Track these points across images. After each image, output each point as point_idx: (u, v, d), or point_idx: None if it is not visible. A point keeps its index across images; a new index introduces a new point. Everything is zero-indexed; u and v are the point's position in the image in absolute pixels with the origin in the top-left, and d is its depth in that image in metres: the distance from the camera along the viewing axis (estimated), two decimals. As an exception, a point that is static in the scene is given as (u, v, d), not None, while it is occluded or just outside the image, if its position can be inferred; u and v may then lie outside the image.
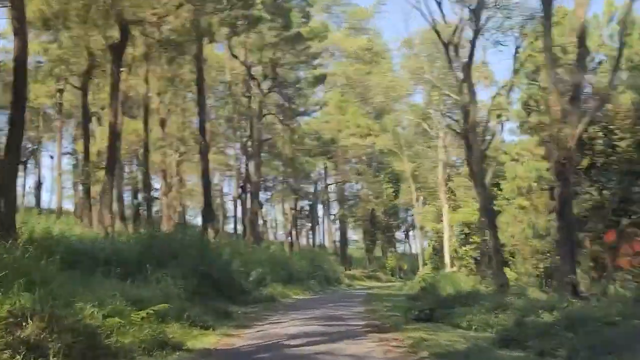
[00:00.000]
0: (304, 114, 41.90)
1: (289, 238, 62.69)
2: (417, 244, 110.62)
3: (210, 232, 27.32)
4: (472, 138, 25.05)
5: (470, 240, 39.57)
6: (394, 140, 49.64)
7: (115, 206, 28.86)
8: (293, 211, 62.97)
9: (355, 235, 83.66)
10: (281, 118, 40.77)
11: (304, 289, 32.99)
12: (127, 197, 46.72)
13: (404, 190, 55.15)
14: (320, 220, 76.76)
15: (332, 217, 60.18)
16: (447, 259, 40.55)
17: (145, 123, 30.64)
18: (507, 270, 34.10)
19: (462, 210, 40.54)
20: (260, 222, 79.46)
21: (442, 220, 53.97)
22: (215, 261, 22.17)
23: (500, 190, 35.85)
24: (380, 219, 66.08)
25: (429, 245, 57.80)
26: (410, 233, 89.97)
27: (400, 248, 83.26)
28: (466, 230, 40.00)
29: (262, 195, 73.86)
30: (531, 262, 35.57)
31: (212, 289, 20.80)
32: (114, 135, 25.15)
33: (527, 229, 33.97)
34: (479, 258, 38.22)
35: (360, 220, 72.22)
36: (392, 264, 68.33)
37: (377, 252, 76.43)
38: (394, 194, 65.98)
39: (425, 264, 44.90)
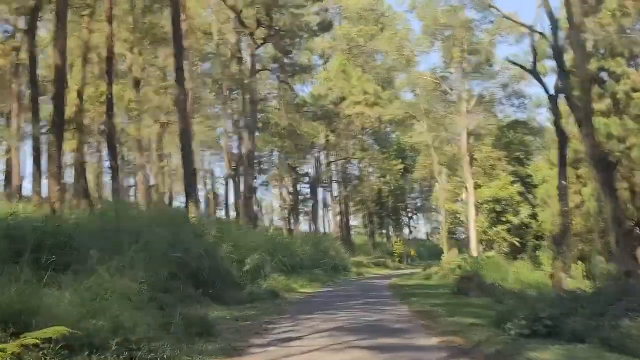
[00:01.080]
0: (305, 71, 35.71)
1: (288, 223, 56.76)
2: (427, 227, 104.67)
3: (192, 209, 21.21)
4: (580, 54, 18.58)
5: (502, 219, 33.64)
6: (408, 107, 43.48)
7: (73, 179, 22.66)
8: (290, 196, 56.87)
9: (354, 220, 77.74)
10: (278, 75, 34.52)
11: (310, 279, 26.99)
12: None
13: (419, 164, 49.03)
14: (320, 204, 71.07)
15: (335, 199, 54.00)
16: (473, 243, 34.62)
17: (109, 74, 24.37)
18: (544, 255, 28.35)
19: (493, 185, 34.61)
20: (256, 208, 73.73)
21: (458, 200, 48.15)
22: (195, 245, 16.09)
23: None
24: (388, 200, 60.15)
25: (444, 228, 51.90)
26: (417, 216, 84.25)
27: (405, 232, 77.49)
28: (497, 208, 34.08)
29: (257, 181, 67.88)
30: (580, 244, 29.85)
31: (190, 283, 14.80)
32: (60, 82, 18.95)
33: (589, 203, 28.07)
34: (520, 241, 32.39)
35: (363, 203, 66.35)
36: (399, 249, 62.34)
37: (378, 237, 70.65)
38: (401, 172, 59.87)
39: (451, 248, 39.10)
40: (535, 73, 22.14)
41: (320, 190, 67.64)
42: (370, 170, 57.52)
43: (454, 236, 48.88)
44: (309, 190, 57.31)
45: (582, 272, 22.92)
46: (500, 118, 41.83)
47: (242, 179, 41.52)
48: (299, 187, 74.93)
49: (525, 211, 34.47)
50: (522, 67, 23.56)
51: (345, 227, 57.78)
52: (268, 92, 55.58)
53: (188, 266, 14.89)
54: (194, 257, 15.18)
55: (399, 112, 44.39)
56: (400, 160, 55.11)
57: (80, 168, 26.80)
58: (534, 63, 24.26)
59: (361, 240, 68.06)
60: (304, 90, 46.41)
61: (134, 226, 15.39)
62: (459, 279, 22.31)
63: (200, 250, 15.97)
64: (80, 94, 27.15)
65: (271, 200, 71.59)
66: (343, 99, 44.89)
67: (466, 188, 39.01)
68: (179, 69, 21.94)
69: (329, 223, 69.78)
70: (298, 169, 46.57)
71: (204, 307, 13.67)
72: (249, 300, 16.58)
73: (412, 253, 65.88)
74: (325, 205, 72.42)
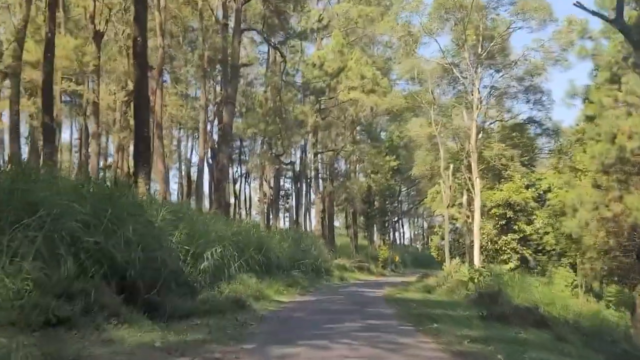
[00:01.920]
0: (299, 37, 30.77)
1: (266, 219, 51.85)
2: (410, 232, 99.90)
3: (142, 184, 16.24)
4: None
5: (514, 227, 29.05)
6: (410, 96, 38.69)
7: None
8: (271, 189, 51.84)
9: (336, 220, 72.79)
10: (266, 37, 29.40)
11: (288, 283, 22.15)
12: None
13: (419, 160, 44.15)
14: (303, 199, 66.39)
15: (319, 194, 49.00)
16: (476, 252, 29.98)
17: (52, 5, 19.16)
18: (565, 271, 23.84)
19: (505, 186, 29.99)
20: (232, 199, 68.42)
21: (457, 203, 43.61)
22: (129, 229, 11.09)
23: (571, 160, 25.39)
24: (376, 200, 55.43)
25: (436, 234, 47.39)
26: (402, 220, 79.82)
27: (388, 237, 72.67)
28: (509, 214, 29.48)
29: (236, 170, 62.81)
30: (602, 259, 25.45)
31: (108, 283, 9.87)
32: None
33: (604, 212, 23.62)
34: (534, 253, 27.75)
35: (349, 202, 61.63)
36: (384, 254, 57.65)
37: (361, 239, 65.87)
38: (394, 169, 55.08)
39: (452, 257, 34.23)
40: (619, 21, 16.70)
41: (303, 187, 62.89)
42: (360, 166, 52.67)
43: (454, 244, 44.21)
44: (291, 186, 52.44)
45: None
46: (513, 114, 37.38)
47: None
48: (281, 181, 70.04)
49: (540, 220, 30.06)
50: (601, 16, 18.24)
51: (328, 225, 52.88)
52: (255, 78, 50.65)
53: (109, 258, 9.93)
54: (120, 245, 10.22)
55: (398, 102, 39.66)
56: (394, 157, 50.40)
57: (14, 128, 21.66)
58: (620, 8, 17.77)
59: (342, 242, 63.18)
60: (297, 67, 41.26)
61: (38, 198, 10.37)
62: (477, 297, 17.63)
63: (138, 237, 11.00)
64: (20, 40, 21.97)
65: (250, 194, 66.51)
66: (339, 71, 39.71)
67: (471, 189, 34.38)
68: (140, 2, 16.91)
69: (310, 221, 64.96)
70: (282, 156, 41.57)
71: (123, 323, 8.75)
72: (202, 311, 11.70)
73: (397, 259, 61.39)
74: (309, 202, 67.67)
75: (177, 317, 10.90)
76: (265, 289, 17.85)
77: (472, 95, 31.48)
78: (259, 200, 55.10)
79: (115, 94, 32.08)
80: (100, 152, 27.85)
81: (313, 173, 47.48)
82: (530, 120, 36.33)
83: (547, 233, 30.01)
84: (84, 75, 28.17)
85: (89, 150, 26.85)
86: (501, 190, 30.78)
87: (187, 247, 14.11)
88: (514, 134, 35.77)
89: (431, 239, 54.14)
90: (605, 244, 23.02)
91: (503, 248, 29.70)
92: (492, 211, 30.44)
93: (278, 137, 40.41)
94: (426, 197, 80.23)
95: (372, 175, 50.52)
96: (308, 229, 58.48)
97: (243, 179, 64.86)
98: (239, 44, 27.16)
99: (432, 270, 68.52)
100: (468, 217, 38.53)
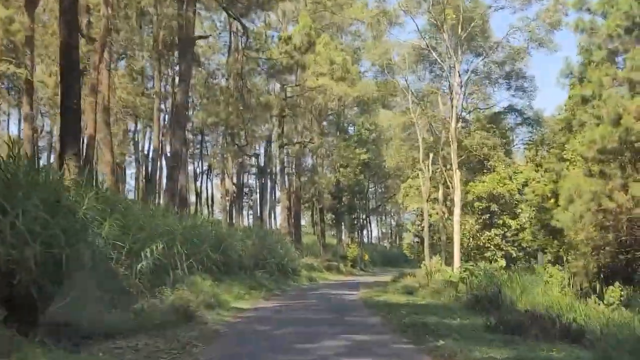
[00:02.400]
0: (262, 7, 27.59)
1: (229, 216, 48.64)
2: (377, 231, 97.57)
3: (71, 166, 13.13)
4: None
5: (498, 221, 26.64)
6: (382, 85, 36.01)
7: None
8: (234, 186, 48.71)
9: (302, 219, 69.74)
10: (225, 5, 26.15)
11: (250, 286, 19.31)
12: None
13: (393, 149, 41.45)
14: (268, 195, 63.47)
15: (285, 189, 45.97)
16: (456, 249, 27.50)
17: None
18: (554, 270, 21.60)
19: (489, 178, 27.59)
20: (192, 198, 64.73)
21: (429, 200, 41.26)
22: (21, 215, 7.97)
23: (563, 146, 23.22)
24: (344, 195, 52.73)
25: (409, 231, 45.00)
26: (369, 218, 77.45)
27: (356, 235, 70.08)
28: (493, 207, 27.08)
29: (195, 163, 59.41)
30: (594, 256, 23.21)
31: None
32: None
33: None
34: (522, 249, 25.31)
35: (317, 198, 58.93)
36: (353, 253, 55.08)
37: (328, 238, 63.11)
38: (363, 163, 52.37)
39: (432, 256, 31.49)
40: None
41: (268, 183, 59.94)
42: (328, 160, 49.82)
43: (417, 241, 41.84)
44: (255, 182, 49.49)
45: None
46: (495, 101, 35.05)
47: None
48: (245, 178, 66.72)
49: (525, 213, 27.76)
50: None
51: (294, 223, 49.95)
52: (217, 67, 47.37)
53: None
54: (6, 237, 7.19)
55: (370, 89, 36.96)
56: (364, 150, 47.74)
57: None
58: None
59: (309, 240, 60.32)
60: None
61: None
62: (473, 300, 15.05)
63: (30, 223, 7.93)
64: None
65: (212, 191, 62.96)
66: (309, 46, 36.68)
67: (448, 182, 31.94)
68: None
69: (276, 219, 61.89)
70: (246, 147, 38.48)
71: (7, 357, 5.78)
72: (133, 327, 8.75)
73: (366, 257, 58.98)
74: (274, 199, 64.64)
75: (97, 335, 7.97)
76: (222, 293, 14.94)
77: (452, 79, 29.02)
78: (221, 197, 51.81)
79: (52, 75, 28.55)
80: (36, 137, 24.32)
81: (278, 167, 44.53)
82: (510, 109, 34.12)
83: (524, 229, 27.86)
84: (21, 55, 24.64)
85: (21, 136, 23.33)
86: (484, 182, 28.43)
87: (120, 243, 11.05)
88: (489, 125, 33.49)
89: (403, 237, 51.77)
90: (602, 238, 20.69)
91: (486, 245, 27.35)
92: (475, 205, 28.02)
93: (241, 126, 37.35)
94: (395, 194, 78.57)
95: (341, 170, 47.81)
96: (273, 227, 55.53)
97: (205, 176, 61.47)
98: (194, 13, 24.08)
99: (403, 269, 66.67)
100: (444, 212, 36.17)
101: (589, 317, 13.04)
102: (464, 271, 17.85)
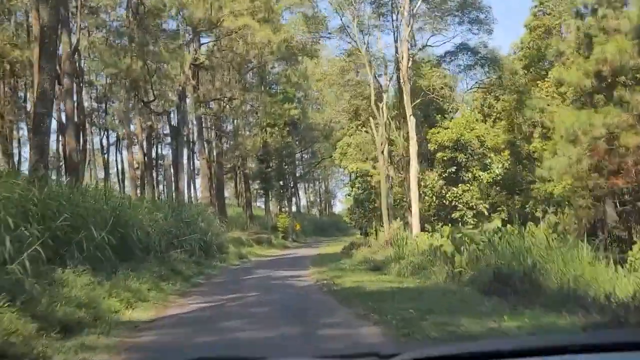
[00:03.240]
0: None
1: (141, 189, 41.96)
2: (304, 199, 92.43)
3: None
4: None
5: (466, 176, 21.83)
6: (313, 21, 30.22)
7: None
8: (144, 155, 41.85)
9: (225, 190, 63.47)
10: None
11: (161, 276, 13.58)
12: None
13: (334, 98, 35.67)
14: (185, 163, 56.80)
15: (204, 155, 39.70)
16: (415, 211, 22.75)
17: None
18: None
19: (454, 123, 22.71)
20: (102, 174, 56.95)
21: (368, 159, 36.58)
22: None
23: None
24: (273, 160, 47.05)
25: (349, 196, 40.22)
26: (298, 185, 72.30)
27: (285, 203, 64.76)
28: (460, 158, 22.30)
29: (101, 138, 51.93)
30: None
31: None
32: None
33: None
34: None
35: (242, 161, 53.12)
36: (284, 223, 49.80)
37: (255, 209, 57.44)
38: (287, 127, 46.73)
39: (394, 219, 26.31)
40: None
41: (184, 151, 53.31)
42: (253, 119, 43.75)
43: (364, 205, 37.10)
44: (170, 148, 43.04)
45: None
46: (445, 38, 30.00)
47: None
48: (160, 149, 59.34)
49: (497, 163, 23.31)
50: None
51: (217, 193, 43.90)
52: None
53: None
54: None
55: (298, 30, 31.16)
56: (293, 105, 42.03)
57: None
58: None
59: (233, 212, 54.41)
60: None
61: None
62: (487, 280, 10.15)
63: None
64: None
65: (123, 166, 55.32)
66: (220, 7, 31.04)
67: (395, 134, 27.12)
68: None
69: (196, 191, 55.42)
70: (152, 102, 31.85)
71: None
72: None
73: (298, 227, 54.00)
74: (192, 169, 58.07)
75: None
76: (106, 297, 9.21)
77: (402, 7, 23.85)
78: (130, 168, 44.79)
79: None
80: None
81: (195, 129, 38.17)
82: (463, 47, 29.45)
83: (497, 182, 23.59)
84: None
85: None
86: (446, 128, 23.57)
87: None
88: (442, 68, 28.88)
89: (334, 204, 46.96)
90: (612, 185, 16.50)
91: (453, 203, 22.70)
92: (438, 156, 23.17)
93: (146, 78, 30.72)
94: (323, 159, 73.61)
95: (269, 129, 41.99)
96: (194, 200, 49.06)
97: (115, 148, 53.96)
98: None
99: (341, 238, 62.12)
100: (389, 170, 31.49)
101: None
102: (462, 237, 12.91)
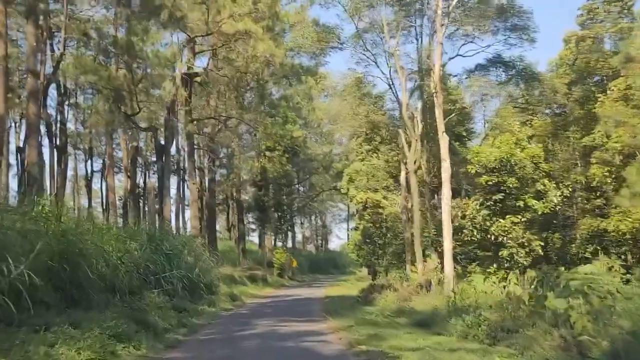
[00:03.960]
0: None
1: (124, 215, 37.55)
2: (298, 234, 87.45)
3: None
4: None
5: (517, 204, 17.27)
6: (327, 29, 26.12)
7: None
8: (128, 177, 37.39)
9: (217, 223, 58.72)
10: None
11: (116, 334, 8.97)
12: None
13: (349, 110, 30.52)
14: (172, 192, 52.41)
15: (195, 181, 35.21)
16: (447, 247, 18.35)
17: None
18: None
19: (501, 140, 18.32)
20: (87, 203, 52.50)
21: (380, 189, 32.66)
22: None
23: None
24: (271, 189, 42.57)
25: (357, 229, 35.91)
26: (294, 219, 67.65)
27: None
28: (511, 182, 17.82)
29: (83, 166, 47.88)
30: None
31: None
32: None
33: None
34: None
35: (234, 195, 48.88)
36: (281, 259, 45.12)
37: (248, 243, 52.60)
38: (286, 154, 42.31)
39: (427, 256, 21.67)
40: None
41: (173, 176, 49.22)
42: (250, 139, 39.28)
43: (367, 240, 32.65)
44: (156, 168, 38.80)
45: None
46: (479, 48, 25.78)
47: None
48: (145, 177, 54.92)
49: (555, 192, 18.85)
50: None
51: (208, 223, 39.32)
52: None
53: None
54: None
55: (309, 36, 27.05)
56: (296, 127, 37.72)
57: None
58: None
59: (224, 246, 49.67)
60: None
61: None
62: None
63: None
64: None
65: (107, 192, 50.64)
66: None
67: (424, 154, 22.96)
68: None
69: (185, 222, 50.77)
70: (136, 116, 27.57)
71: None
72: None
73: (294, 264, 49.33)
74: (183, 198, 53.58)
75: None
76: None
77: (436, 4, 19.95)
78: (110, 192, 40.19)
79: None
80: None
81: (186, 150, 33.86)
82: (496, 60, 25.21)
83: (554, 213, 19.18)
84: None
85: None
86: (493, 146, 19.14)
87: None
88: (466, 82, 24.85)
89: (350, 235, 42.52)
90: None
91: (499, 238, 18.10)
92: (482, 180, 18.62)
93: (131, 87, 26.57)
94: (323, 190, 69.08)
95: (268, 154, 37.58)
96: (183, 232, 44.23)
97: (100, 176, 49.76)
98: None
99: (339, 276, 57.37)
100: (408, 200, 27.29)
101: None
102: (568, 283, 8.54)
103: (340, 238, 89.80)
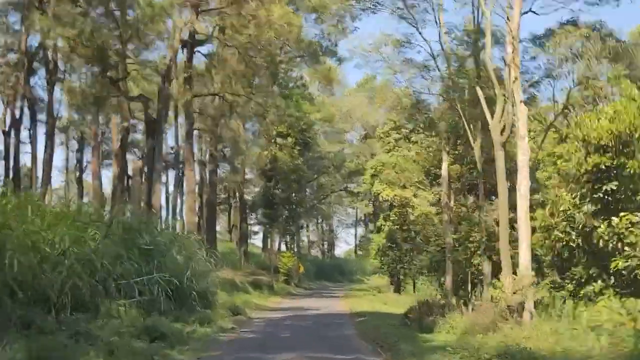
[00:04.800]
0: None
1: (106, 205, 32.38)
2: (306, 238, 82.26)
3: None
4: None
5: (626, 197, 12.50)
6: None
7: None
8: (118, 169, 32.27)
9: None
10: None
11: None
12: None
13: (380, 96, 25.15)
14: (169, 179, 48.15)
15: (193, 168, 30.00)
16: (524, 252, 13.37)
17: None
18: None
19: (612, 107, 13.41)
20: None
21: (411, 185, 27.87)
22: None
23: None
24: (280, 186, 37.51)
25: (382, 231, 30.89)
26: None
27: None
28: (631, 166, 12.77)
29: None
30: None
31: None
32: None
33: None
34: None
35: (236, 192, 44.20)
36: (289, 263, 40.09)
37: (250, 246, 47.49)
38: (297, 146, 36.92)
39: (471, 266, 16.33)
40: None
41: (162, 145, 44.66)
42: (258, 126, 34.18)
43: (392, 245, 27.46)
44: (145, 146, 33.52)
45: None
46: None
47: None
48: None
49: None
50: None
51: (207, 221, 34.22)
52: None
53: None
54: None
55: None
56: (316, 109, 32.68)
57: None
58: None
59: (224, 248, 44.68)
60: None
61: None
62: None
63: None
64: None
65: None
66: None
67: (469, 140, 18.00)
68: None
69: (182, 219, 45.72)
70: (123, 81, 22.54)
71: None
72: None
73: (301, 270, 44.53)
74: (181, 191, 48.49)
75: None
76: None
77: None
78: (94, 179, 35.12)
79: None
80: None
81: (184, 129, 28.72)
82: (570, 23, 20.41)
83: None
84: None
85: None
86: (600, 117, 13.99)
87: None
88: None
89: (371, 238, 37.27)
90: None
91: (609, 243, 12.95)
92: (588, 161, 13.47)
93: (117, 49, 21.62)
94: (333, 191, 63.96)
95: (279, 140, 32.40)
96: (179, 229, 39.02)
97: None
98: None
99: (347, 284, 52.48)
100: (450, 198, 22.34)
101: None
102: None
103: (348, 244, 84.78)
